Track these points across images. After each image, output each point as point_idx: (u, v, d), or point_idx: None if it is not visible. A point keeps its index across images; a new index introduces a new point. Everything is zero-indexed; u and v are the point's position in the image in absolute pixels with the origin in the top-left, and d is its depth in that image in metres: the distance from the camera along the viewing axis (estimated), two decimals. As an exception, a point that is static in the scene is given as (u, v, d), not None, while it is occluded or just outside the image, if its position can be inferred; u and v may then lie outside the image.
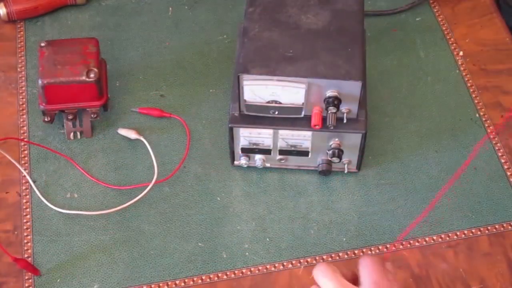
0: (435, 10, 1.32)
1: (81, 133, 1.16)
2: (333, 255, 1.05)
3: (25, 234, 1.07)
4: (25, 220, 1.08)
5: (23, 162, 1.14)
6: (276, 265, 1.05)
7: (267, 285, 1.03)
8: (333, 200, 1.10)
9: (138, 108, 1.19)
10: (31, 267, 1.02)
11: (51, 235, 1.06)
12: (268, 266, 1.05)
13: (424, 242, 1.07)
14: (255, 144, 1.09)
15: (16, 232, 1.07)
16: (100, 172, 1.13)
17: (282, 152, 1.09)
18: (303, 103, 1.03)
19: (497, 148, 1.16)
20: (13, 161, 1.10)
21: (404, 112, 1.19)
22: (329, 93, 1.02)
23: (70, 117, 1.14)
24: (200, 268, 1.04)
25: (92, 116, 1.15)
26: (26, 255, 1.05)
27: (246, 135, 1.07)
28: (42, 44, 1.13)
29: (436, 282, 1.03)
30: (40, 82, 1.10)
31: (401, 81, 1.23)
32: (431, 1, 1.33)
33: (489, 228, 1.08)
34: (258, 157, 1.11)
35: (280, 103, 1.03)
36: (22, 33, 1.29)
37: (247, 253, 1.05)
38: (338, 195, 1.11)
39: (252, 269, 1.04)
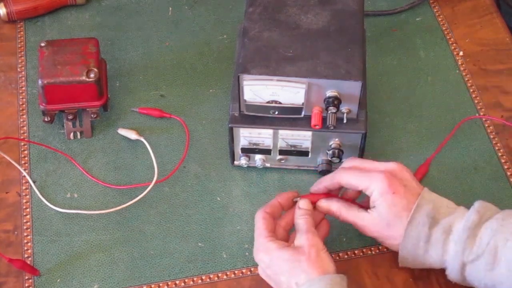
0: (435, 10, 1.32)
1: (81, 133, 1.16)
2: (333, 255, 1.05)
3: (25, 234, 1.07)
4: (25, 220, 1.08)
5: (23, 162, 1.14)
6: (276, 265, 1.05)
7: (267, 285, 1.02)
8: (333, 200, 1.10)
9: (138, 108, 1.19)
10: (28, 267, 1.02)
11: (51, 235, 1.06)
12: (268, 266, 1.04)
13: (424, 242, 1.06)
14: (255, 144, 1.08)
15: (16, 232, 1.07)
16: (100, 172, 1.13)
17: (282, 152, 1.09)
18: (303, 103, 1.03)
19: (497, 148, 1.15)
20: (12, 162, 1.10)
21: (404, 112, 1.19)
22: (329, 93, 1.02)
23: (70, 117, 1.14)
24: (200, 268, 1.04)
25: (92, 116, 1.15)
26: (26, 255, 1.05)
27: (246, 135, 1.07)
28: (42, 44, 1.13)
29: (436, 282, 1.03)
30: (40, 82, 1.10)
31: (401, 81, 1.23)
32: (431, 1, 1.33)
33: (489, 228, 1.08)
34: (258, 157, 1.11)
35: (280, 103, 1.03)
36: (22, 33, 1.29)
37: (247, 253, 1.05)
38: (338, 195, 1.11)
39: (252, 269, 1.04)
